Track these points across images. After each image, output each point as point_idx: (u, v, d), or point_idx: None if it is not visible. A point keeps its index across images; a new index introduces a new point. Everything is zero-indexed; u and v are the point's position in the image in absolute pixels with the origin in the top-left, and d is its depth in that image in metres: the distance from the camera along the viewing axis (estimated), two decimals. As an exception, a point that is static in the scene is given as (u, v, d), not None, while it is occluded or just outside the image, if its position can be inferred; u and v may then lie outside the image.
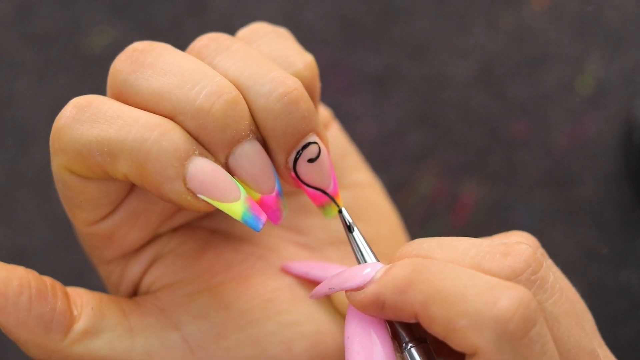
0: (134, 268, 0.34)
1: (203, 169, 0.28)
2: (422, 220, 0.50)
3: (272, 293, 0.33)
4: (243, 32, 0.32)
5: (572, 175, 0.50)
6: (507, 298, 0.25)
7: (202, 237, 0.34)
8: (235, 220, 0.34)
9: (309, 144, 0.29)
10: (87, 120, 0.28)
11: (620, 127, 0.50)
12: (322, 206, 0.31)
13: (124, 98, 0.29)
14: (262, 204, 0.29)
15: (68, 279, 0.50)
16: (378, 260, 0.30)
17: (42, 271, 0.49)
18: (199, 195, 0.28)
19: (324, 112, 0.37)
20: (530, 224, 0.50)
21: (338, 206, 0.31)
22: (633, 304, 0.50)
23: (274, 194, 0.29)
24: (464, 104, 0.50)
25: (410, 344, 0.28)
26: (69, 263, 0.50)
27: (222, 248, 0.34)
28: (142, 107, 0.28)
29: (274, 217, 0.30)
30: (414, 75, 0.50)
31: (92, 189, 0.30)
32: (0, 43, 0.49)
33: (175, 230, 0.34)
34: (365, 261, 0.30)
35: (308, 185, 0.30)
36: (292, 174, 0.30)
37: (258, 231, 0.29)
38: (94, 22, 0.50)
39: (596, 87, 0.50)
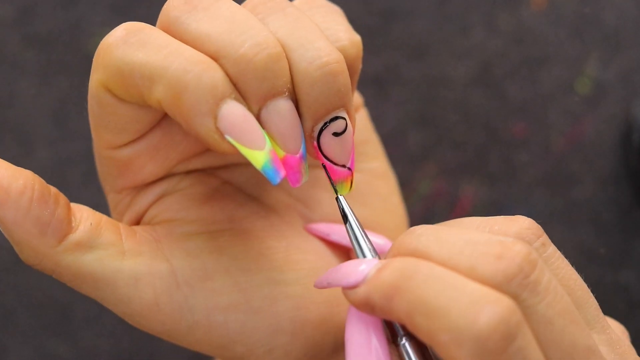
0: (142, 200, 0.34)
1: (236, 112, 0.28)
2: (422, 220, 0.50)
3: (267, 250, 0.34)
4: (299, 0, 0.33)
5: (571, 175, 0.51)
6: (488, 315, 0.26)
7: (213, 184, 0.35)
8: (248, 177, 0.35)
9: (337, 117, 0.30)
10: (135, 43, 0.29)
11: (619, 128, 0.50)
12: (335, 182, 0.31)
13: (171, 34, 0.30)
14: (284, 162, 0.30)
15: (69, 278, 0.50)
16: (374, 251, 0.30)
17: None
18: (225, 136, 0.29)
19: (356, 97, 0.37)
20: (529, 224, 0.50)
21: (350, 186, 0.31)
22: (632, 304, 0.50)
23: (298, 155, 0.30)
24: (463, 104, 0.51)
25: (404, 338, 0.29)
26: (70, 263, 0.50)
27: (229, 200, 0.35)
28: (188, 45, 0.29)
29: (294, 178, 0.30)
30: (414, 75, 0.50)
31: (123, 112, 0.31)
32: (2, 44, 0.50)
33: (189, 172, 0.35)
34: (363, 252, 0.30)
35: (326, 158, 0.30)
36: (315, 143, 0.30)
37: (275, 184, 0.29)
38: (95, 23, 0.50)
39: (595, 88, 0.51)
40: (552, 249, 0.30)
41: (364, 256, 0.30)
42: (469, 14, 0.50)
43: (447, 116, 0.50)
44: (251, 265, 0.33)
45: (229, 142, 0.29)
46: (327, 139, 0.30)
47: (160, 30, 0.30)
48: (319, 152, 0.30)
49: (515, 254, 0.27)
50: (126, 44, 0.29)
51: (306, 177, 0.30)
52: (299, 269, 0.34)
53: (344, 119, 0.30)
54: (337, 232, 0.35)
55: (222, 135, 0.29)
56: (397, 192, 0.38)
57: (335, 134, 0.30)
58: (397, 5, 0.50)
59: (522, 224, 0.30)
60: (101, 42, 0.30)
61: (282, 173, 0.29)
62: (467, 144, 0.50)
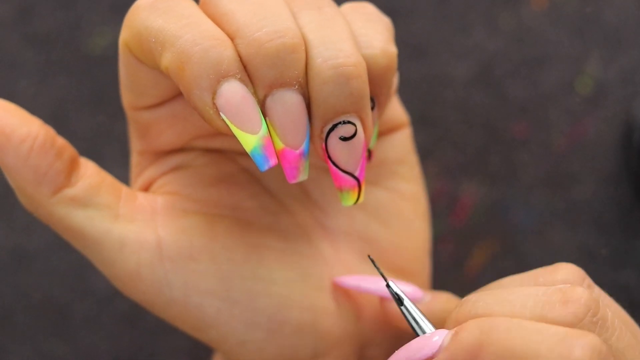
0: (157, 168, 0.35)
1: (235, 91, 0.28)
2: (422, 220, 0.50)
3: (261, 245, 0.34)
4: (349, 4, 0.32)
5: (572, 175, 0.50)
6: (580, 347, 0.25)
7: (229, 169, 0.35)
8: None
9: (347, 122, 0.29)
10: (160, 9, 0.29)
11: (619, 128, 0.50)
12: (340, 189, 0.31)
13: (205, 7, 0.30)
14: (282, 155, 0.29)
15: (68, 279, 0.50)
16: (434, 327, 0.30)
17: (42, 271, 0.50)
18: (221, 114, 0.29)
19: (400, 114, 0.37)
20: (529, 224, 0.50)
21: (357, 198, 0.31)
22: (632, 304, 0.50)
23: (298, 151, 0.29)
24: (463, 104, 0.50)
25: None
26: (70, 263, 0.50)
27: (241, 188, 0.35)
28: (214, 20, 0.30)
29: (290, 173, 0.30)
30: (414, 75, 0.50)
31: (142, 75, 0.32)
32: (1, 44, 0.50)
33: (208, 150, 0.35)
34: (425, 331, 0.30)
35: (332, 162, 0.30)
36: (323, 145, 0.30)
37: (262, 171, 0.29)
38: (94, 22, 0.50)
39: (596, 88, 0.51)
40: (597, 289, 0.30)
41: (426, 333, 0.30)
42: (469, 14, 0.50)
43: (447, 116, 0.50)
44: (239, 257, 0.33)
45: (223, 121, 0.29)
46: (334, 141, 0.30)
47: (192, 2, 0.30)
48: (326, 156, 0.30)
49: (579, 295, 0.27)
50: (152, 9, 0.30)
51: (304, 176, 0.30)
52: (290, 270, 0.34)
53: (354, 125, 0.29)
54: (366, 281, 0.34)
55: (217, 111, 0.29)
56: (423, 218, 0.38)
57: (343, 139, 0.30)
58: (397, 5, 0.50)
59: (565, 270, 0.30)
60: (135, 2, 0.30)
61: (272, 162, 0.29)
62: (467, 144, 0.50)
